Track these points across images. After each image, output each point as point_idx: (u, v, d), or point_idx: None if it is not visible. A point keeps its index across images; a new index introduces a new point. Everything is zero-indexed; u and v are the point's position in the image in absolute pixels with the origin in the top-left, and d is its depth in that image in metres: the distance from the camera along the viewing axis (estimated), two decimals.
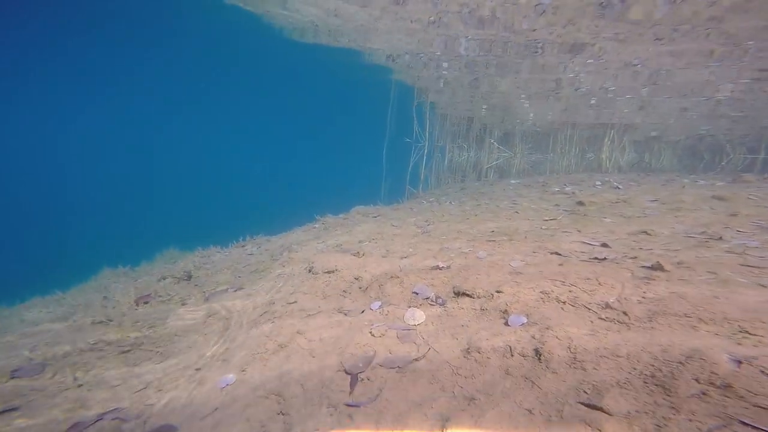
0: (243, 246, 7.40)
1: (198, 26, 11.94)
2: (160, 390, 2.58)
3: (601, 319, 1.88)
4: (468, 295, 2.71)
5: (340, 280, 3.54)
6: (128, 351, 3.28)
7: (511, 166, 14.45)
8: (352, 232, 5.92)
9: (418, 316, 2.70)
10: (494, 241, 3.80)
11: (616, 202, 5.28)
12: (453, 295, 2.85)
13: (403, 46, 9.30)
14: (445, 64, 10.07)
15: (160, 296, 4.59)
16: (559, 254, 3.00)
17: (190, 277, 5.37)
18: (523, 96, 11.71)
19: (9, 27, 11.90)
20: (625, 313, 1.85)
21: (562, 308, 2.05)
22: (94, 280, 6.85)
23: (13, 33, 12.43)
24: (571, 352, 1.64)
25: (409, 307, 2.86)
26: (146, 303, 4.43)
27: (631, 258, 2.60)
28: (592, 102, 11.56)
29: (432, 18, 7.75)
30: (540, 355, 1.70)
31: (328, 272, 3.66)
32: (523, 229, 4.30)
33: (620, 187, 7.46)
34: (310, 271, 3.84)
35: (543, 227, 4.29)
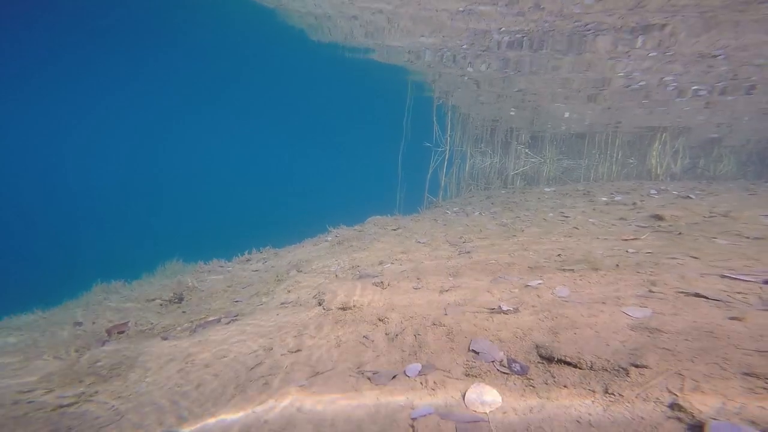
0: (247, 260, 6.63)
1: (207, 27, 11.62)
2: None
3: None
4: (570, 364, 1.70)
5: (360, 321, 2.60)
6: (69, 405, 2.39)
7: (540, 172, 13.24)
8: (370, 249, 4.99)
9: (488, 395, 1.70)
10: (571, 270, 2.76)
11: (711, 217, 4.12)
12: (539, 359, 1.84)
13: (424, 40, 8.41)
14: (471, 61, 9.16)
15: (139, 325, 3.77)
16: (704, 296, 1.94)
17: (181, 299, 4.56)
18: (560, 93, 10.49)
19: (19, 29, 11.97)
20: None
21: None
22: (86, 296, 6.19)
23: (21, 35, 12.52)
24: None
25: (469, 376, 1.86)
26: (121, 333, 3.61)
27: None
28: (645, 100, 10.17)
29: (461, 7, 6.89)
30: None
31: (343, 309, 2.73)
32: (599, 252, 3.23)
33: (692, 196, 6.21)
34: (320, 304, 2.92)
35: (628, 250, 3.21)
